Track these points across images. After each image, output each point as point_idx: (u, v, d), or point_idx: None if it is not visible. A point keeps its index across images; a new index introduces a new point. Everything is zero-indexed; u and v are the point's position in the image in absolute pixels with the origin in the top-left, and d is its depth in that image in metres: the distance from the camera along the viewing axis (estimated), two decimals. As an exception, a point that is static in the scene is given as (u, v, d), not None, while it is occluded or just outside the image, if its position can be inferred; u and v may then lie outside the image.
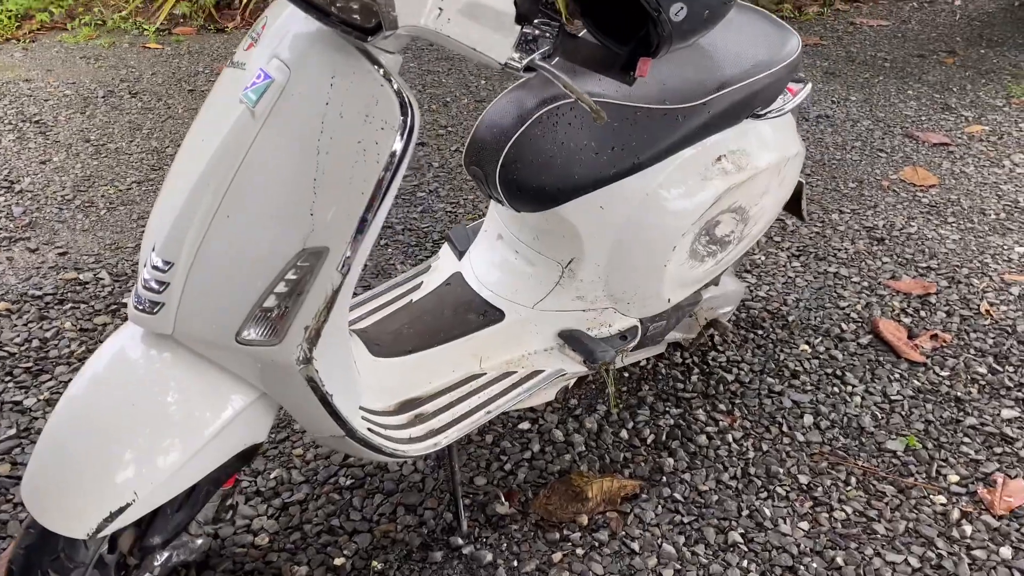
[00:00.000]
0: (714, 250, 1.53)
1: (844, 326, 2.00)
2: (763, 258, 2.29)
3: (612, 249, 1.41)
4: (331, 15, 0.89)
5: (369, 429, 1.23)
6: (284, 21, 0.99)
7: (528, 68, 0.96)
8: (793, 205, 1.78)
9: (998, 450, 1.61)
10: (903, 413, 1.72)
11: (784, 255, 2.31)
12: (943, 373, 1.83)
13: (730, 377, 1.83)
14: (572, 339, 1.48)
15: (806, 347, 1.93)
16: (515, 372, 1.46)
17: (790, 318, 2.03)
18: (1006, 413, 1.70)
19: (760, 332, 1.98)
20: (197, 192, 0.98)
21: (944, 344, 1.92)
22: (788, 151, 1.54)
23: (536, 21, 0.95)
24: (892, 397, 1.76)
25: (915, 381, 1.81)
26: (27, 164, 2.77)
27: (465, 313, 1.46)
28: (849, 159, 2.89)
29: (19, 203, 2.53)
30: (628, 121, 1.31)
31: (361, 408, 1.27)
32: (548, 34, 0.96)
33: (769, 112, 1.48)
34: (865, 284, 2.16)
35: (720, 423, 1.70)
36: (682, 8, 0.91)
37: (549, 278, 1.46)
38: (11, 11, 4.18)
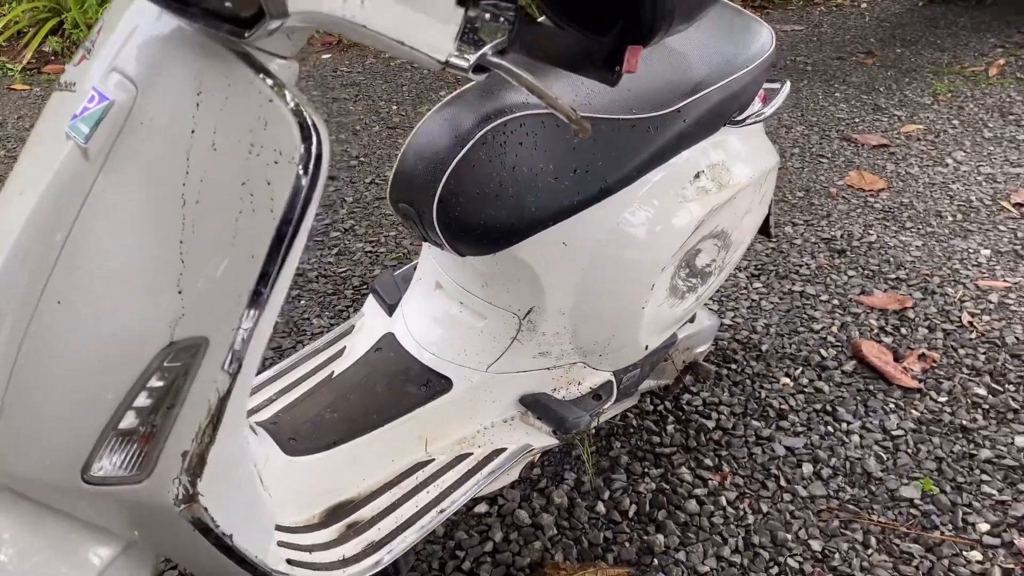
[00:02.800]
0: (694, 284, 1.28)
1: (823, 352, 1.79)
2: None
3: (579, 294, 1.15)
4: (192, 4, 0.60)
5: (289, 560, 0.93)
6: (127, 22, 0.69)
7: (479, 68, 0.69)
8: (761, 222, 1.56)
9: (1023, 487, 1.41)
10: (910, 451, 1.51)
11: (743, 276, 2.10)
12: (941, 399, 1.64)
13: (710, 424, 1.59)
14: (537, 405, 1.21)
15: (787, 380, 1.71)
16: (470, 454, 1.18)
17: (763, 347, 1.81)
18: (1020, 441, 1.51)
19: (734, 367, 1.75)
20: (10, 270, 0.67)
21: (934, 364, 1.73)
22: (767, 162, 1.32)
23: (485, 2, 0.68)
24: (893, 432, 1.55)
25: (913, 411, 1.61)
26: None
27: (402, 385, 1.17)
28: (791, 167, 2.73)
29: None
30: (592, 137, 1.05)
31: (277, 528, 0.97)
32: (503, 19, 0.69)
33: (748, 117, 1.25)
34: (836, 302, 1.97)
35: (709, 482, 1.46)
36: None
37: (504, 333, 1.19)
38: None
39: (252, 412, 1.13)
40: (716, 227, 1.23)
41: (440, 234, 1.02)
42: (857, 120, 3.09)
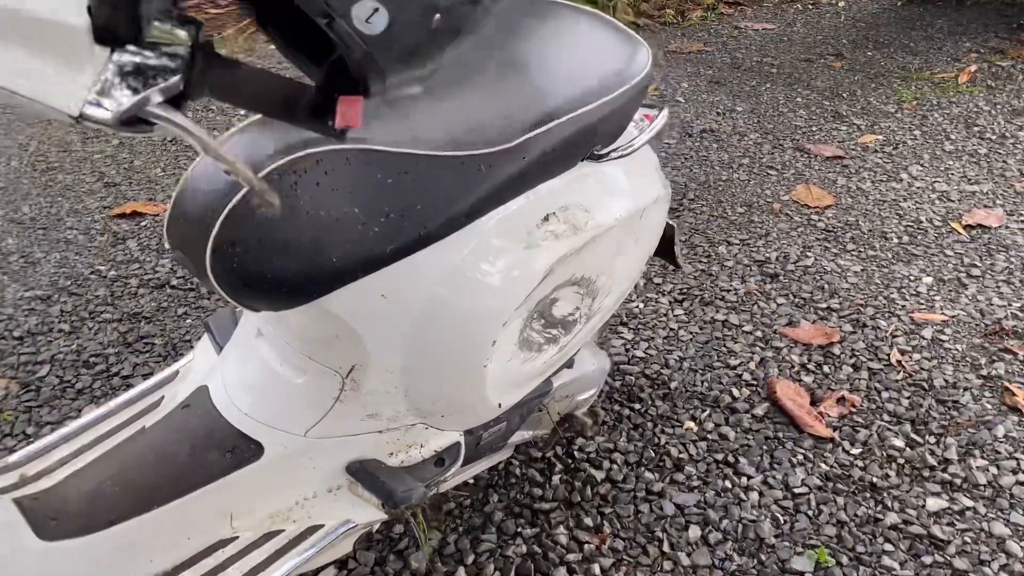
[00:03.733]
0: (555, 335, 1.14)
1: (736, 392, 1.65)
2: (640, 306, 1.94)
3: (409, 350, 1.00)
4: None
5: None
6: None
7: (136, 120, 0.54)
8: (665, 250, 1.42)
9: (927, 559, 1.28)
10: (810, 512, 1.37)
11: (665, 301, 1.96)
12: (854, 451, 1.50)
13: (600, 475, 1.45)
14: (363, 474, 1.07)
15: (691, 424, 1.57)
16: (282, 531, 1.04)
17: (672, 385, 1.67)
18: (932, 504, 1.37)
19: (638, 407, 1.62)
20: None
21: (853, 409, 1.59)
22: (645, 197, 1.17)
23: (152, 35, 0.53)
24: (796, 489, 1.41)
25: (822, 464, 1.47)
26: None
27: (205, 451, 1.03)
28: (737, 179, 2.58)
29: None
30: (407, 175, 0.90)
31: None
32: (172, 58, 0.54)
33: (613, 151, 1.10)
34: (759, 334, 1.83)
35: (586, 545, 1.32)
36: (377, 11, 0.51)
37: (325, 393, 1.04)
38: None
39: (16, 486, 0.99)
40: (574, 274, 1.08)
41: (217, 286, 0.88)
42: (815, 128, 2.95)
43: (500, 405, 1.13)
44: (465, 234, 0.97)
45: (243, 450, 1.03)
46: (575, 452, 1.50)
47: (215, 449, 1.02)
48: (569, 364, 1.34)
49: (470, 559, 1.30)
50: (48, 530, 0.91)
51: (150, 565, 0.97)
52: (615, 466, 1.47)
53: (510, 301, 0.99)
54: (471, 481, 1.43)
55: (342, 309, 0.94)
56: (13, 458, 1.05)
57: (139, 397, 1.15)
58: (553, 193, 1.03)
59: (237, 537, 1.02)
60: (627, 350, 1.77)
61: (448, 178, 0.93)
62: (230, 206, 0.84)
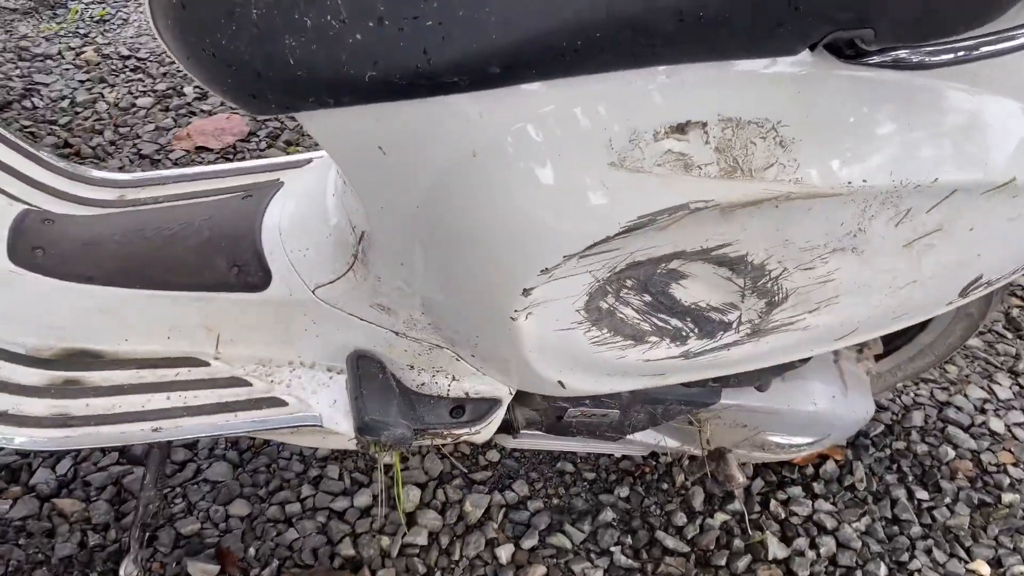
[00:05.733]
0: (678, 329, 0.77)
1: None
2: None
3: (413, 243, 0.72)
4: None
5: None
6: None
7: None
8: None
9: None
10: None
11: None
12: None
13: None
14: (365, 376, 0.85)
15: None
16: (249, 385, 0.87)
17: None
18: None
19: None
20: None
21: None
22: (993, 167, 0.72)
23: None
24: None
25: None
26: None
27: (215, 253, 0.87)
28: None
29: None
30: None
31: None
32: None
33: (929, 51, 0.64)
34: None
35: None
36: None
37: (342, 254, 0.82)
38: None
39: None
40: (714, 245, 0.69)
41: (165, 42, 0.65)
42: None
43: (561, 384, 0.81)
44: (520, 96, 0.61)
45: (250, 274, 0.85)
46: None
47: (224, 257, 0.86)
48: (761, 385, 0.96)
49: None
50: (23, 255, 0.82)
51: (124, 345, 0.86)
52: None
53: (560, 241, 0.64)
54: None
55: (327, 141, 0.67)
56: (94, 172, 1.00)
57: (265, 169, 1.02)
58: (724, 87, 0.62)
59: (212, 364, 0.87)
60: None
61: None
62: None
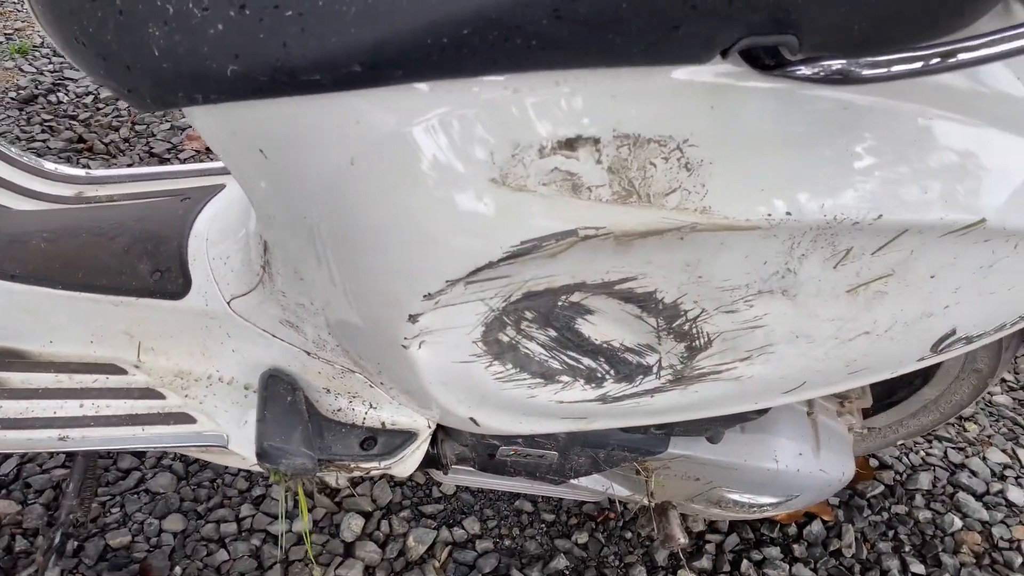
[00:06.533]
0: (591, 370, 0.69)
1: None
2: None
3: (298, 253, 0.66)
4: None
5: None
6: None
7: None
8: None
9: None
10: None
11: None
12: None
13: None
14: (271, 398, 0.79)
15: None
16: (163, 397, 0.82)
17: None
18: None
19: None
20: None
21: None
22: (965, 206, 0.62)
23: None
24: None
25: None
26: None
27: (139, 258, 0.82)
28: None
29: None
30: None
31: None
32: None
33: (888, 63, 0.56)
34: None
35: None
36: None
37: (253, 264, 0.77)
38: None
39: None
40: (616, 279, 0.61)
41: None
42: None
43: (475, 422, 0.73)
44: (397, 100, 0.54)
45: (170, 280, 0.81)
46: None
47: (148, 261, 0.82)
48: (712, 436, 0.87)
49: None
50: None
51: (49, 345, 0.83)
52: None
53: (441, 266, 0.57)
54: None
55: (210, 142, 0.61)
56: (52, 167, 0.98)
57: (195, 174, 0.99)
58: (621, 98, 0.55)
59: (128, 373, 0.83)
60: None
61: None
62: None
